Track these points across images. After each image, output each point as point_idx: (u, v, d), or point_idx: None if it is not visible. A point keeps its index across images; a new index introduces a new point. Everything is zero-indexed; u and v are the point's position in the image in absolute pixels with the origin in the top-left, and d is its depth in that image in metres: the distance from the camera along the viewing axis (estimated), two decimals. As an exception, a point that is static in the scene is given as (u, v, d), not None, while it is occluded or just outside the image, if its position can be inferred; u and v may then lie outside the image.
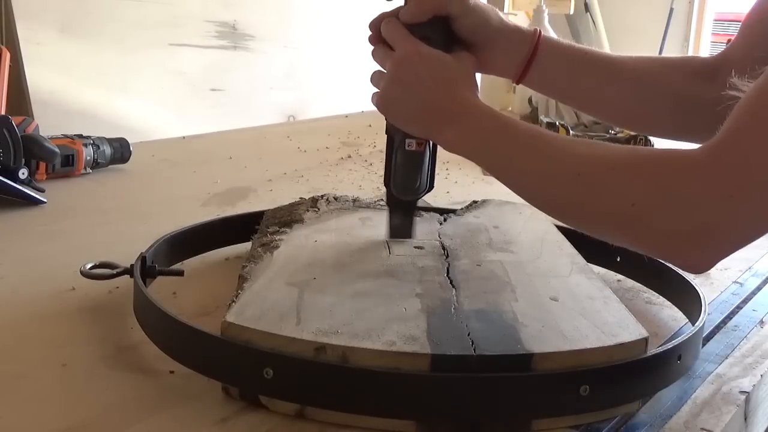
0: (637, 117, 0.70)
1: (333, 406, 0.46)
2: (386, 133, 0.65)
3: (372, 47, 0.62)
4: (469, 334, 0.49)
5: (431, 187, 0.67)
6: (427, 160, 0.65)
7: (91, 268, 0.62)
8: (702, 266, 0.50)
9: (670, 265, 0.69)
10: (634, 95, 0.67)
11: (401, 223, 0.67)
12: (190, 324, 0.50)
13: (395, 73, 0.58)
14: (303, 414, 0.47)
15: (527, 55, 0.64)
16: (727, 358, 0.60)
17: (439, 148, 0.64)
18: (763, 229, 0.48)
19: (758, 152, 0.45)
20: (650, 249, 0.52)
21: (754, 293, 0.75)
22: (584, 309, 0.54)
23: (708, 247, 0.48)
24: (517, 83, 0.67)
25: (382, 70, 0.61)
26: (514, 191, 0.56)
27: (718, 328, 0.66)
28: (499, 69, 0.66)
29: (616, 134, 1.35)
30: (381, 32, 0.61)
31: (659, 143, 1.24)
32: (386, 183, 0.66)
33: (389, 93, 0.59)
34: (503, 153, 0.55)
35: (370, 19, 0.63)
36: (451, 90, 0.57)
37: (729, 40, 0.69)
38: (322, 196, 0.78)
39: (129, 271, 0.60)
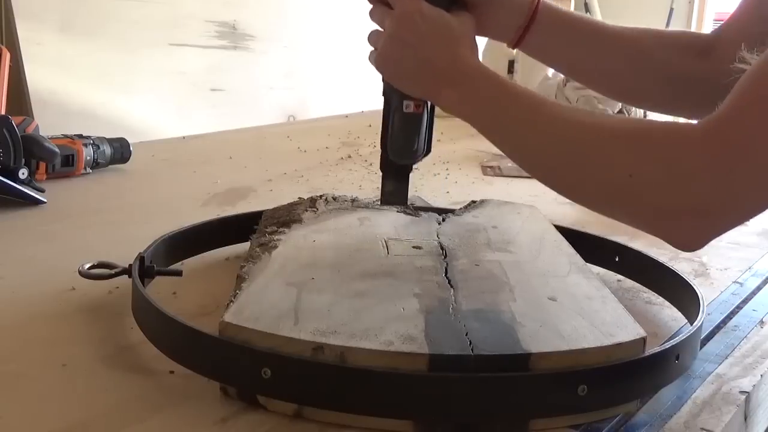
0: (629, 89, 0.69)
1: (331, 406, 0.46)
2: (383, 95, 0.63)
3: (370, 6, 0.60)
4: (467, 334, 0.49)
5: (428, 150, 0.64)
6: (425, 123, 0.62)
7: (89, 269, 0.62)
8: (695, 244, 0.49)
9: (669, 265, 0.69)
10: (627, 68, 0.66)
11: (395, 189, 0.66)
12: (188, 324, 0.50)
13: (395, 31, 0.57)
14: (301, 414, 0.47)
15: (525, 20, 0.63)
16: (727, 358, 0.60)
17: (436, 111, 0.62)
18: (760, 206, 0.47)
19: (759, 127, 0.45)
20: (645, 223, 0.51)
21: (754, 293, 0.75)
22: (582, 309, 0.54)
23: (703, 223, 0.47)
24: (513, 48, 0.66)
25: (380, 29, 0.59)
26: (511, 158, 0.55)
27: (718, 328, 0.66)
28: (496, 32, 0.65)
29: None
30: None
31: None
32: (382, 146, 0.64)
33: (388, 51, 0.57)
34: (502, 119, 0.54)
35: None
36: (453, 50, 0.56)
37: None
38: (320, 196, 0.78)
39: (127, 271, 0.60)
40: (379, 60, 0.59)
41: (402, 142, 0.63)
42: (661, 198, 0.47)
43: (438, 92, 0.57)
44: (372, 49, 0.60)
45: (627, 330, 0.51)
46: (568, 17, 0.66)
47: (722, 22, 0.68)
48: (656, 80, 0.66)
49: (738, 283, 0.78)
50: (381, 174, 0.66)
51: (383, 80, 0.62)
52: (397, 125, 0.62)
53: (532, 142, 0.53)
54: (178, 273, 0.63)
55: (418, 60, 0.57)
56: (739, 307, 0.72)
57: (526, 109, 0.54)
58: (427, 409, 0.45)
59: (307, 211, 0.74)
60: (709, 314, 0.68)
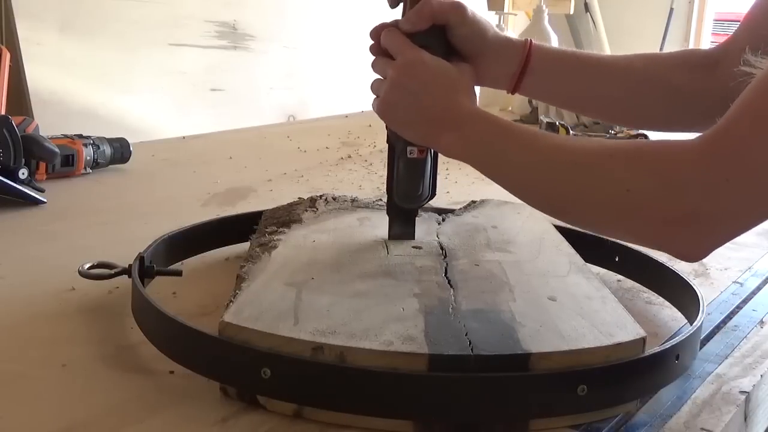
0: (633, 113, 0.70)
1: (330, 407, 0.46)
2: (387, 141, 0.65)
3: (372, 57, 0.63)
4: (466, 334, 0.49)
5: (433, 194, 0.67)
6: (429, 168, 0.65)
7: (89, 269, 0.62)
8: (696, 254, 0.50)
9: (668, 265, 0.69)
10: (626, 93, 0.67)
11: (403, 233, 0.68)
12: (188, 324, 0.50)
13: (398, 80, 0.59)
14: (301, 414, 0.47)
15: (519, 66, 0.65)
16: (727, 358, 0.60)
17: (440, 156, 0.64)
18: (759, 216, 0.48)
19: (756, 138, 0.45)
20: (645, 237, 0.51)
21: (754, 293, 0.75)
22: (582, 309, 0.54)
23: (702, 233, 0.48)
24: (512, 93, 0.68)
25: (382, 78, 0.61)
26: (512, 192, 0.56)
27: (718, 328, 0.66)
28: (493, 80, 0.67)
29: (615, 134, 1.35)
30: (381, 42, 0.61)
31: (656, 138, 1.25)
32: (388, 191, 0.67)
33: (391, 99, 0.59)
34: (501, 154, 0.56)
35: (370, 23, 0.63)
36: (452, 97, 0.58)
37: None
38: (320, 196, 0.78)
39: (127, 271, 0.60)
40: (382, 107, 0.60)
41: (407, 186, 0.65)
42: (659, 209, 0.48)
43: (438, 138, 0.58)
44: (374, 96, 0.62)
45: (627, 330, 0.51)
46: (560, 55, 0.68)
47: (730, 35, 0.68)
48: (658, 100, 0.67)
49: (738, 283, 0.78)
50: (388, 217, 0.68)
51: (387, 127, 0.63)
52: (402, 171, 0.64)
53: (530, 170, 0.54)
54: (178, 273, 0.63)
55: (419, 107, 0.58)
56: (739, 307, 0.71)
57: (522, 141, 0.55)
58: (426, 409, 0.45)
59: (306, 211, 0.74)
60: (709, 314, 0.68)
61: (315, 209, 0.74)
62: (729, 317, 0.69)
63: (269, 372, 0.45)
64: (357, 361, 0.46)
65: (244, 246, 0.72)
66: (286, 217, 0.72)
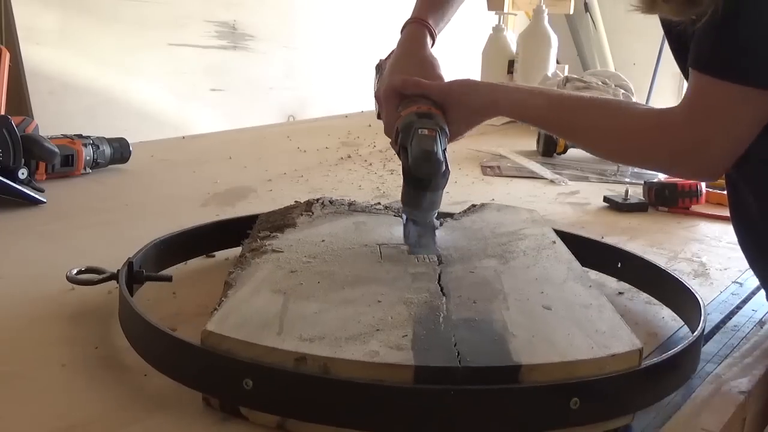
0: None
1: (314, 419, 0.45)
2: (397, 151, 0.68)
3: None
4: (455, 345, 0.47)
5: (447, 169, 0.64)
6: (440, 140, 0.65)
7: (77, 274, 0.61)
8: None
9: (668, 270, 0.68)
10: None
11: (420, 240, 0.67)
12: (170, 332, 0.49)
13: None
14: (284, 426, 0.46)
15: None
16: (726, 358, 0.59)
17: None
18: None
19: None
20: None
21: (753, 293, 0.74)
22: (577, 318, 0.53)
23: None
24: None
25: None
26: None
27: (717, 328, 0.65)
28: None
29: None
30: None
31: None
32: (405, 173, 0.65)
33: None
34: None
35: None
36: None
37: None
38: (317, 200, 0.76)
39: (115, 276, 0.59)
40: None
41: (421, 148, 0.64)
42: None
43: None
44: None
45: (622, 341, 0.50)
46: None
47: None
48: None
49: (738, 283, 0.77)
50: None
51: (395, 127, 0.68)
52: (415, 142, 0.64)
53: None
54: (168, 279, 0.62)
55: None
56: (738, 308, 0.71)
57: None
58: (411, 422, 0.44)
59: (302, 215, 0.73)
60: (708, 314, 0.67)
61: (311, 213, 0.73)
62: (729, 317, 0.68)
63: (251, 383, 0.44)
64: (341, 373, 0.45)
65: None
66: (281, 221, 0.71)
